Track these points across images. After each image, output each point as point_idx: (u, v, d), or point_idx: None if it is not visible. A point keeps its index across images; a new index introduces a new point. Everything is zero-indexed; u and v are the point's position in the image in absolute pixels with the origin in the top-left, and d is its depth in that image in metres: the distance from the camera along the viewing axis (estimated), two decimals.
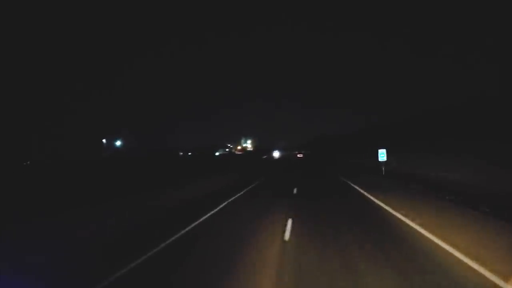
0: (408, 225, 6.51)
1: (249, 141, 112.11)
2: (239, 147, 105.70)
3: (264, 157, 79.30)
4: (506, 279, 3.71)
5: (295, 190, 13.43)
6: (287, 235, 5.98)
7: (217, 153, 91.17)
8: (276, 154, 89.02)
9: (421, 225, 6.32)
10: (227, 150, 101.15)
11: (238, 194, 12.79)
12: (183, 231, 6.70)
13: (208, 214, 8.66)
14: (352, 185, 14.92)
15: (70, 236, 6.51)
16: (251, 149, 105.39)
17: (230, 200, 11.34)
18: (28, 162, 37.06)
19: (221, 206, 10.04)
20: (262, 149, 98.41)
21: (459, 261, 4.35)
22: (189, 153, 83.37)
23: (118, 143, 56.07)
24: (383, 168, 18.76)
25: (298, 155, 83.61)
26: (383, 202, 9.39)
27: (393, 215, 7.57)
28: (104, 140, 53.54)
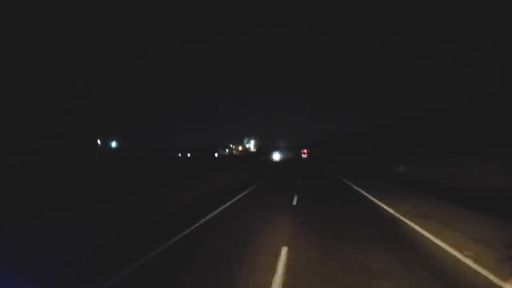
0: None
1: (252, 142, 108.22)
2: (240, 148, 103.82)
3: (262, 159, 66.48)
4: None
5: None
6: None
7: (216, 154, 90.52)
8: (275, 156, 73.55)
9: None
10: (227, 150, 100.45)
11: (237, 197, 13.01)
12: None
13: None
14: None
15: (69, 236, 6.54)
16: (254, 150, 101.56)
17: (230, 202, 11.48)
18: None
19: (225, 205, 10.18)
20: (264, 149, 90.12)
21: None
22: (188, 154, 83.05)
23: (113, 143, 55.74)
24: None
25: (303, 155, 75.37)
26: None
27: None
28: (98, 141, 53.03)
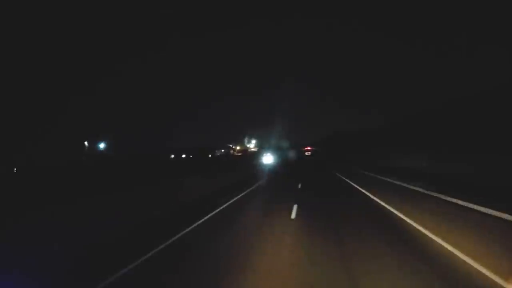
0: None
1: (253, 141, 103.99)
2: (238, 148, 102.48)
3: (253, 163, 48.64)
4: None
5: None
6: None
7: (210, 156, 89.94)
8: (267, 159, 51.07)
9: None
10: (223, 151, 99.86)
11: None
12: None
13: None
14: None
15: (70, 235, 6.33)
16: (255, 150, 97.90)
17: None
18: (15, 170, 36.54)
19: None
20: (265, 149, 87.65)
21: None
22: (183, 155, 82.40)
23: (101, 145, 55.39)
24: None
25: (306, 153, 79.24)
26: None
27: None
28: (86, 143, 52.61)
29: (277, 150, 65.77)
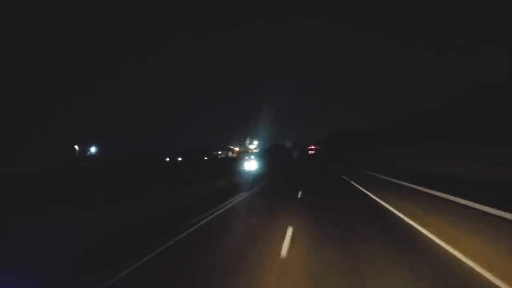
0: None
1: (255, 142, 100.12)
2: (236, 149, 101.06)
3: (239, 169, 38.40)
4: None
5: None
6: None
7: (206, 158, 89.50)
8: (249, 165, 39.29)
9: None
10: (219, 152, 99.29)
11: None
12: None
13: None
14: None
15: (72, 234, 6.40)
16: (256, 151, 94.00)
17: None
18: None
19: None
20: (267, 150, 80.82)
21: None
22: (179, 158, 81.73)
23: (92, 149, 55.16)
24: None
25: (310, 152, 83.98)
26: None
27: None
28: (76, 146, 52.31)
29: (273, 151, 59.41)
